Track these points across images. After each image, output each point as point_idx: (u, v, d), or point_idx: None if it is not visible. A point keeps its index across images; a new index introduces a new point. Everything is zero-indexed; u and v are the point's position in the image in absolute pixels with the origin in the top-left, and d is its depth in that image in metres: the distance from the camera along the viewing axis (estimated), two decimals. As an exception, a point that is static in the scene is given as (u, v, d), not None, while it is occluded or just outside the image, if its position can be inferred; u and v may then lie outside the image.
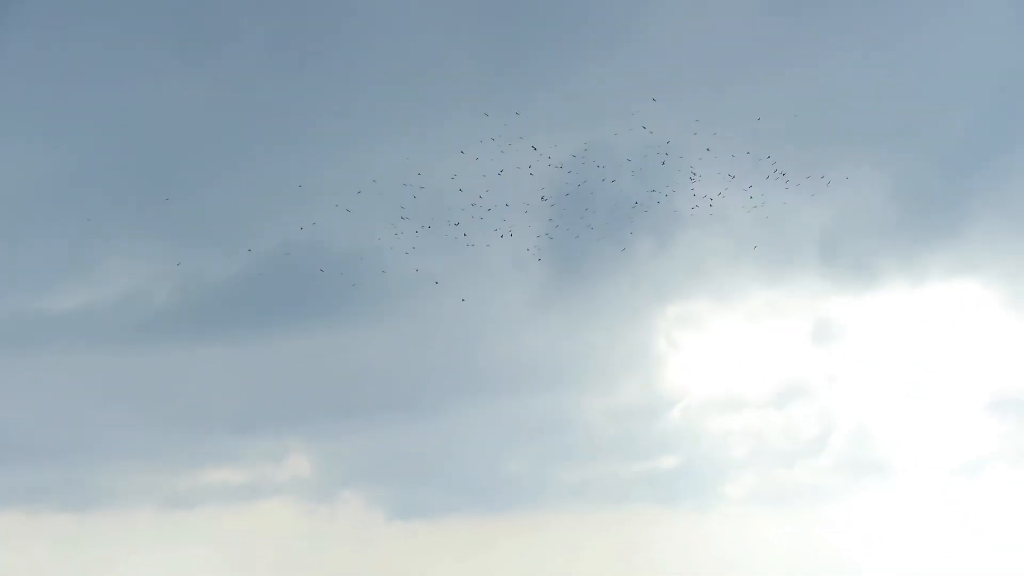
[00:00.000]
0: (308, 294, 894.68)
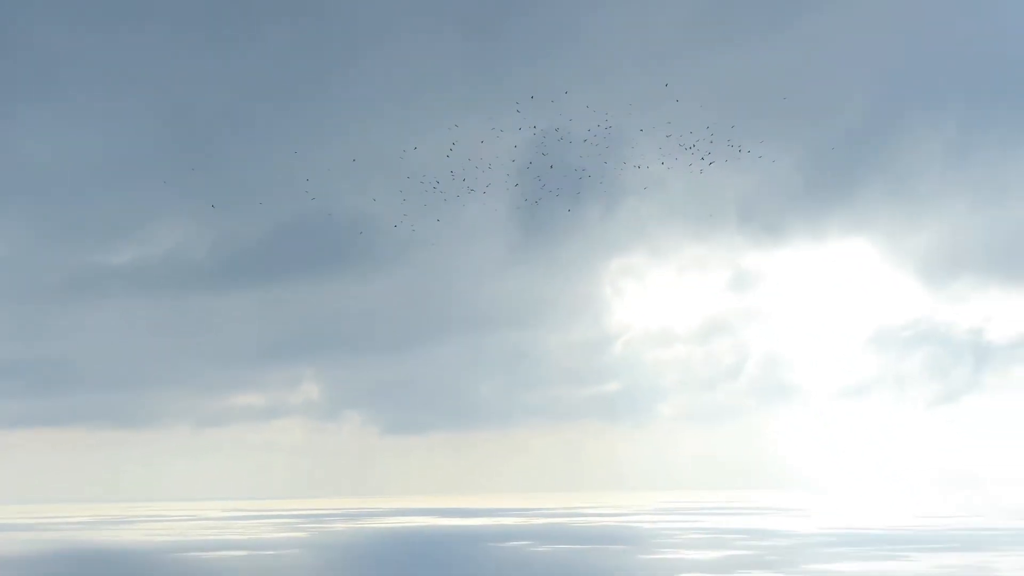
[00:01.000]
0: (318, 251, 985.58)
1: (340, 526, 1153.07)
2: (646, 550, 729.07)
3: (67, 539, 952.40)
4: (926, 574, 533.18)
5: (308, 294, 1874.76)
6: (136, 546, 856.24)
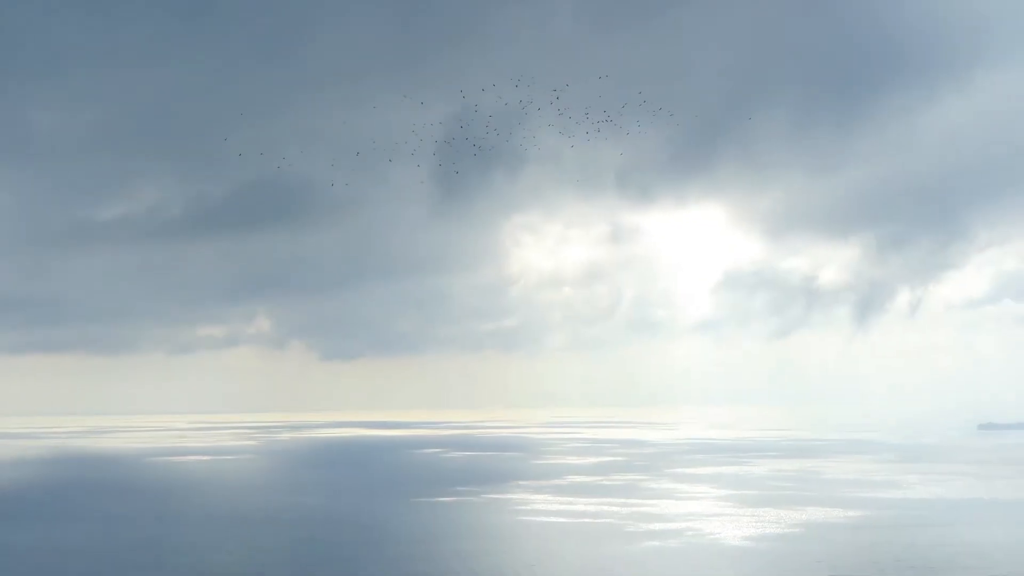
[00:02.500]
0: (271, 209, 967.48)
1: (285, 436, 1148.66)
2: (537, 456, 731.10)
3: (60, 446, 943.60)
4: (766, 476, 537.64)
5: (262, 244, 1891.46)
6: (117, 451, 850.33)
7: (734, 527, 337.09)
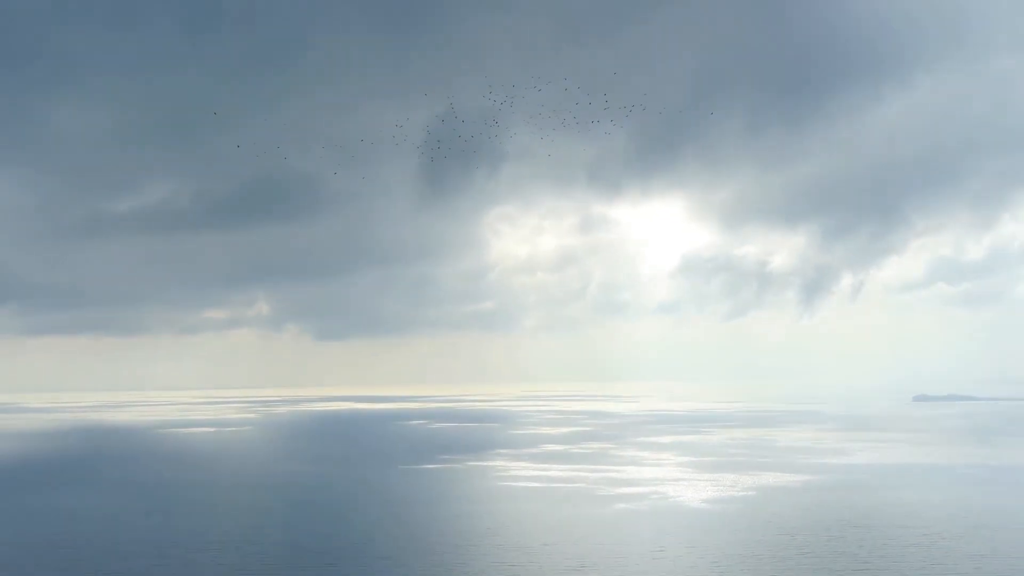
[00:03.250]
0: (271, 202, 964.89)
1: (283, 409, 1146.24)
2: (514, 427, 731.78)
3: (78, 419, 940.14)
4: (722, 444, 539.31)
5: (262, 235, 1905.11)
6: (130, 424, 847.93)
7: (694, 491, 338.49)
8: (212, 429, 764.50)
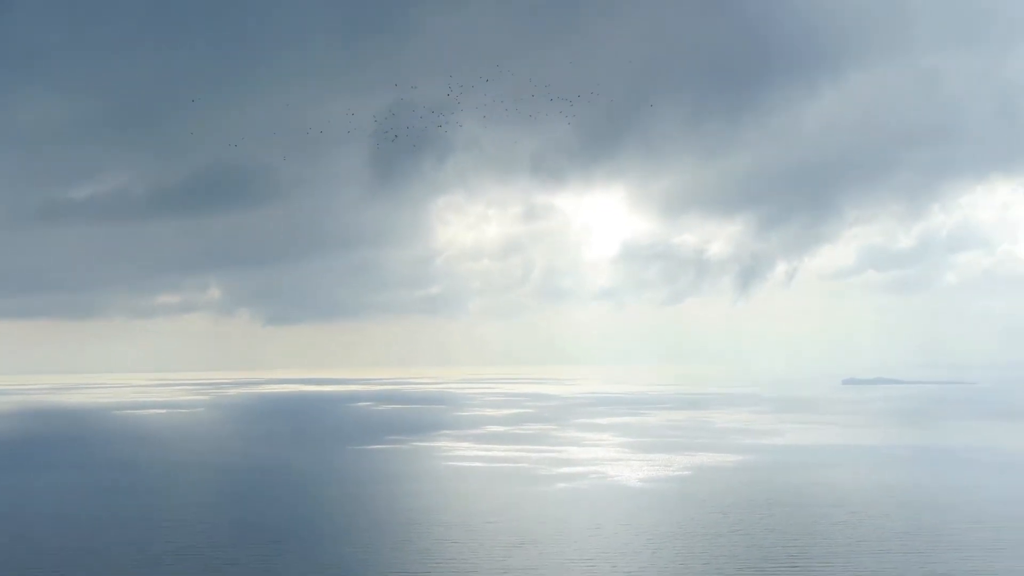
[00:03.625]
0: (222, 191, 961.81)
1: (234, 392, 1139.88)
2: (459, 408, 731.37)
3: (34, 400, 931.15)
4: (659, 425, 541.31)
5: (214, 221, 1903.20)
6: (85, 405, 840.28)
7: (633, 470, 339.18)
8: (164, 411, 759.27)
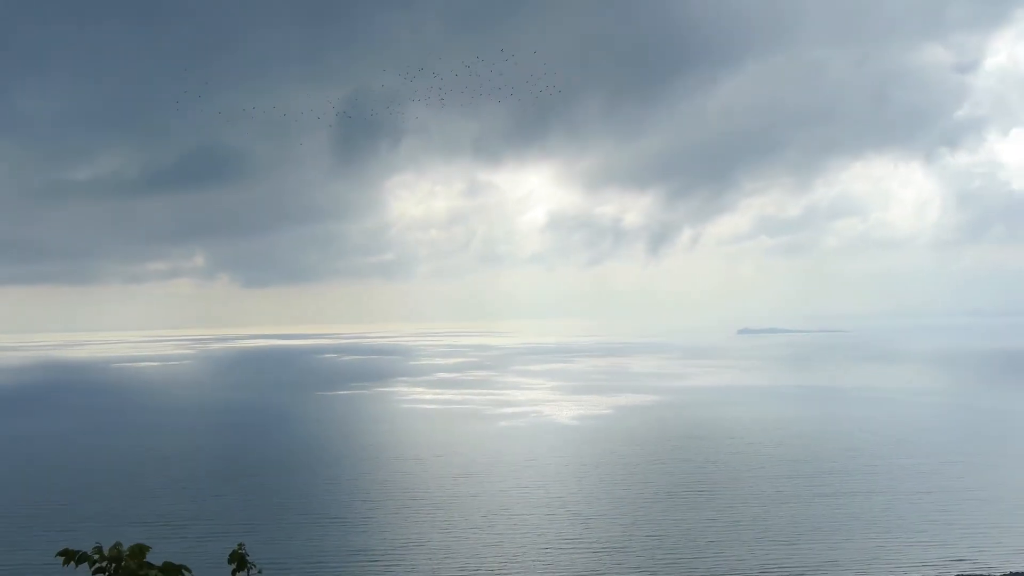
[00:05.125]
0: (207, 171, 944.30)
1: (216, 346, 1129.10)
2: (411, 358, 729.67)
3: (41, 356, 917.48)
4: (585, 371, 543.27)
5: (199, 199, 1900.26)
6: (86, 360, 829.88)
7: (562, 410, 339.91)
8: (156, 363, 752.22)
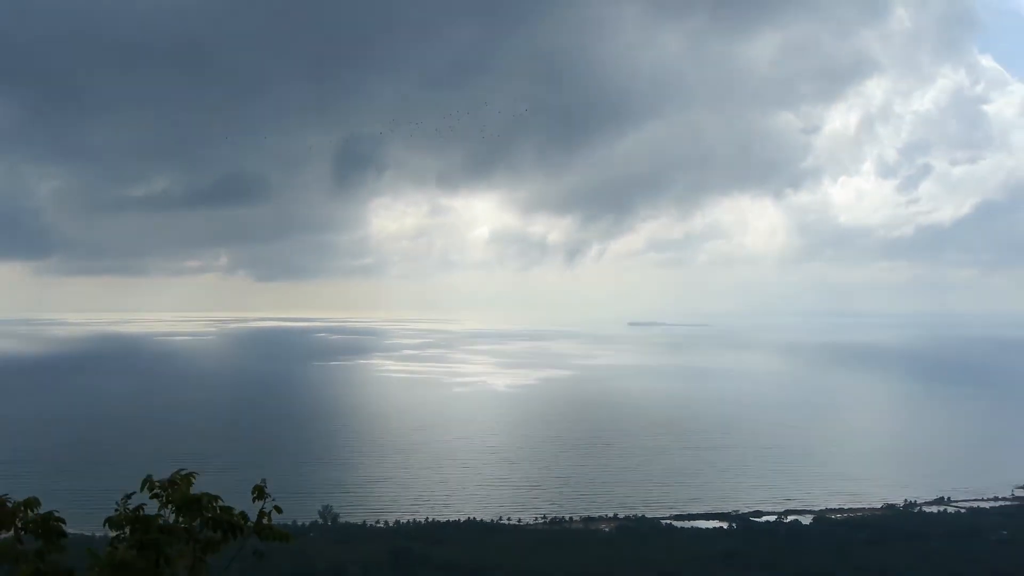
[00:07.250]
0: (234, 191, 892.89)
1: (233, 326, 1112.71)
2: (384, 339, 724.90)
3: (101, 331, 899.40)
4: (518, 351, 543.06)
5: (226, 213, 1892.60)
6: (135, 334, 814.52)
7: (502, 379, 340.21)
8: (188, 338, 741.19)
